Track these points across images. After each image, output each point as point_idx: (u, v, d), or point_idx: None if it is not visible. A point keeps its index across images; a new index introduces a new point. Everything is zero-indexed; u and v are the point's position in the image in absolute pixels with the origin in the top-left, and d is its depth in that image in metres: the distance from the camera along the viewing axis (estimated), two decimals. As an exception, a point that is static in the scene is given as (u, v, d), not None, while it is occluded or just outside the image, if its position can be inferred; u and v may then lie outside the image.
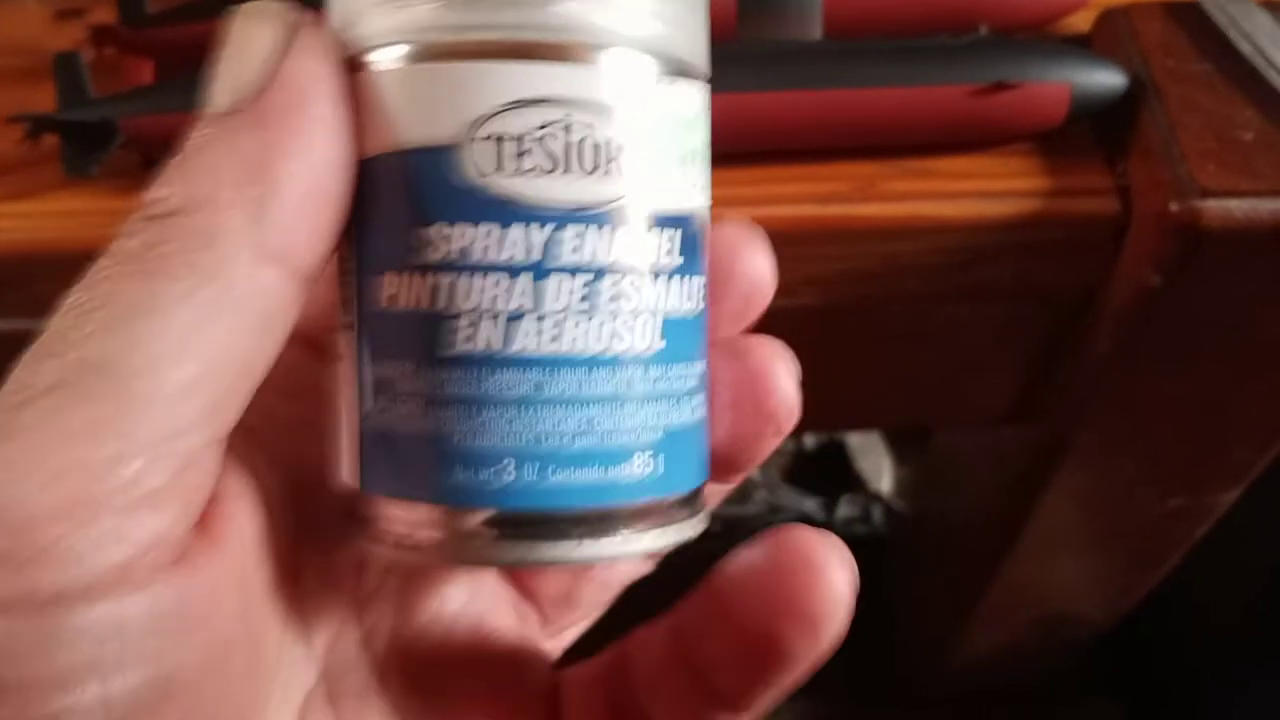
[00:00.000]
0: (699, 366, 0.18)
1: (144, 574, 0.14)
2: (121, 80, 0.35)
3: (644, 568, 0.22)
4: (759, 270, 0.19)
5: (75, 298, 0.15)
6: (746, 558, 0.17)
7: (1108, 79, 0.33)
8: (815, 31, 0.33)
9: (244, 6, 0.16)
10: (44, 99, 0.33)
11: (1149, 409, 0.39)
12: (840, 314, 0.33)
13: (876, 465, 0.75)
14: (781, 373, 0.19)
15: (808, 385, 0.20)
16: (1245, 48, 0.33)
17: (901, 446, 0.74)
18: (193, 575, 0.15)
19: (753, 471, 0.20)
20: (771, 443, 0.19)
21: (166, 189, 0.15)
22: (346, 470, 0.17)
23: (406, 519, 0.16)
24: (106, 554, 0.14)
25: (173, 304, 0.14)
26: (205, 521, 0.16)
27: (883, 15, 0.35)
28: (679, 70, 0.17)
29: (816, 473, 0.76)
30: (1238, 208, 0.30)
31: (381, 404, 0.16)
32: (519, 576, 0.22)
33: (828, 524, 0.73)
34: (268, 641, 0.18)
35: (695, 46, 0.17)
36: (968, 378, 0.41)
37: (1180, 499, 0.43)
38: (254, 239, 0.15)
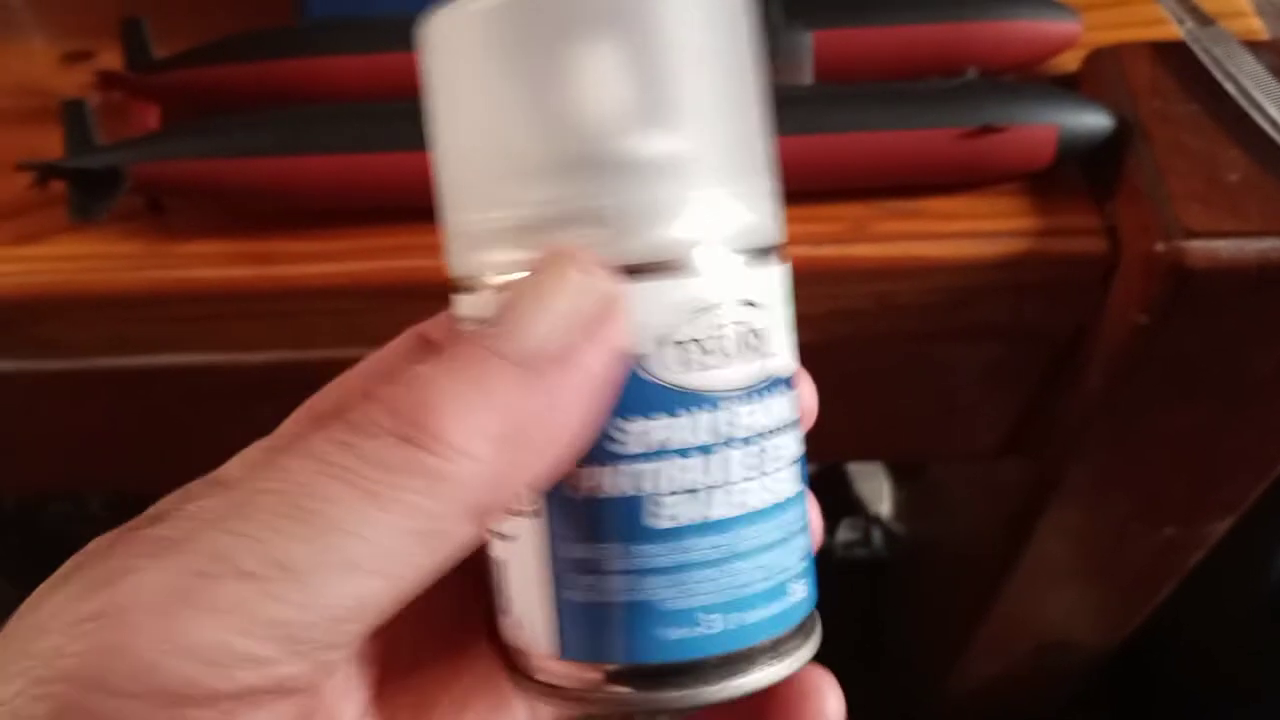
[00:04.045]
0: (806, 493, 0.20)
1: None
2: (128, 124, 0.35)
3: None
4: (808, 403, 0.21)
5: (286, 480, 0.15)
6: None
7: (1094, 121, 0.33)
8: (806, 76, 0.34)
9: (571, 253, 0.16)
10: (51, 140, 0.33)
11: (1141, 444, 0.39)
12: (833, 351, 0.33)
13: (876, 489, 0.75)
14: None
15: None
16: (1232, 89, 0.34)
17: (900, 471, 0.74)
18: None
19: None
20: None
21: (410, 399, 0.15)
22: (537, 639, 0.19)
23: (593, 679, 0.18)
24: None
25: (380, 533, 0.15)
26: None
27: (873, 60, 0.35)
28: (781, 253, 0.19)
29: (816, 496, 0.76)
30: (1223, 248, 0.30)
31: (577, 579, 0.18)
32: None
33: (827, 547, 0.73)
34: None
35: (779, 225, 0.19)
36: (960, 414, 0.41)
37: (1173, 530, 0.43)
38: (473, 499, 0.15)
